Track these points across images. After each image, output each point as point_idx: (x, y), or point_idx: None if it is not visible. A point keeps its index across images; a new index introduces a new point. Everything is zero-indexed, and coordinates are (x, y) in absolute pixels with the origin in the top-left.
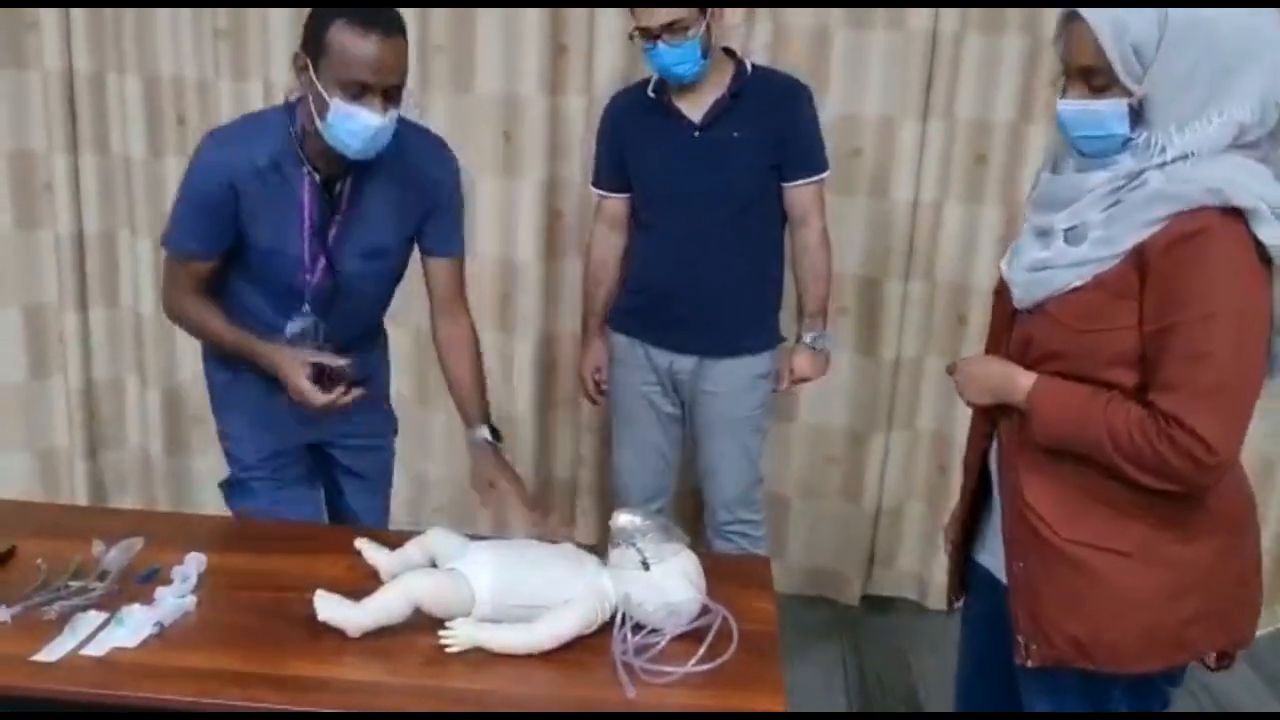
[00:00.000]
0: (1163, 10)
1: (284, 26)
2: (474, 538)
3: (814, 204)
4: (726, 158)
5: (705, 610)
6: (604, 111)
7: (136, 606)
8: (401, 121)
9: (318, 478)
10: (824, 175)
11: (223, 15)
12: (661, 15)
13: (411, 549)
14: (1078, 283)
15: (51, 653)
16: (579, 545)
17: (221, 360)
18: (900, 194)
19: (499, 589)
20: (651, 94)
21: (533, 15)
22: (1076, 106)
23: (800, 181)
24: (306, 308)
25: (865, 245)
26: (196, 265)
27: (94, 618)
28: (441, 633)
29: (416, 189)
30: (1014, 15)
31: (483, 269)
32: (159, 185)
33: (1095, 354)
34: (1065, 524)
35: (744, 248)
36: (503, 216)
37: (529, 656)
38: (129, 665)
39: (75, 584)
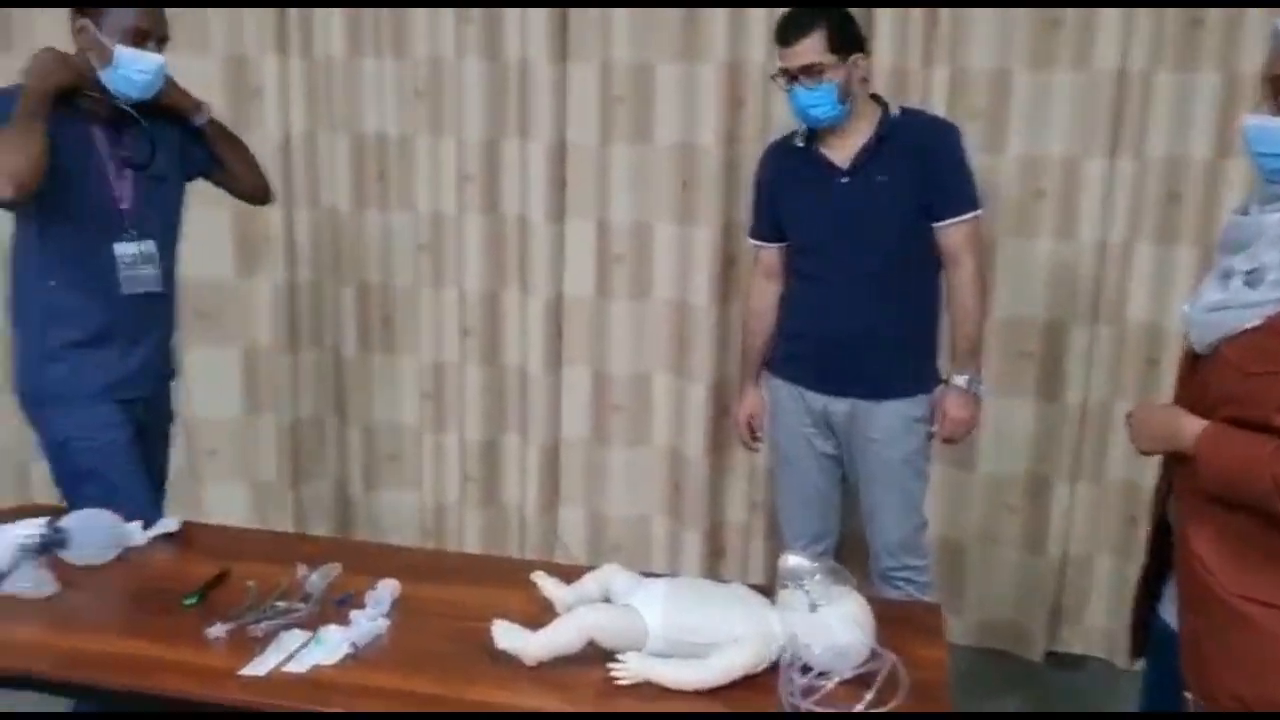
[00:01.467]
0: None
1: (477, 87)
2: (647, 575)
3: (965, 244)
4: (874, 202)
5: (874, 655)
6: (758, 163)
7: (333, 627)
8: None
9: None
10: (975, 214)
11: (423, 77)
12: (799, 57)
13: (588, 583)
14: (1250, 324)
15: (259, 667)
16: (749, 585)
17: (53, 353)
18: (1087, 235)
19: (670, 624)
20: (800, 143)
21: (710, 70)
22: (1262, 121)
23: (950, 221)
24: (132, 230)
25: (1049, 288)
26: None
27: (297, 636)
28: (612, 665)
29: (169, 125)
30: (1208, 51)
31: (658, 312)
32: (360, 237)
33: (1266, 399)
34: (1233, 578)
35: (897, 291)
36: (679, 262)
37: (697, 692)
38: (328, 682)
39: (281, 604)
